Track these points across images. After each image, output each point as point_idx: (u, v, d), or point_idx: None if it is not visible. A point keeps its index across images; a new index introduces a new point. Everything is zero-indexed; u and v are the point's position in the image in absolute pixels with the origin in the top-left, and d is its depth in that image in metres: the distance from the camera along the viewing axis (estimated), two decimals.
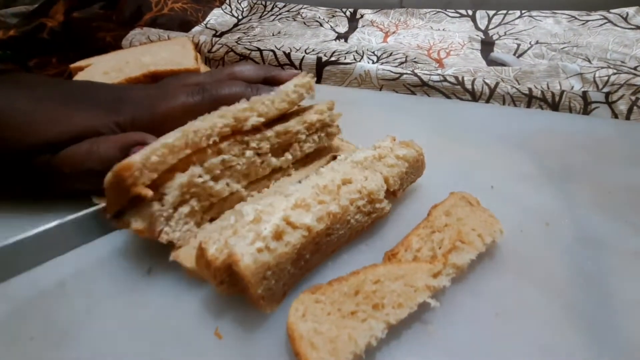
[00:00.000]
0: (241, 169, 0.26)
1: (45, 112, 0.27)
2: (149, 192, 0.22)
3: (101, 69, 0.42)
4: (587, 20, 0.63)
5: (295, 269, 0.22)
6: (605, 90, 0.42)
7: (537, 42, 0.58)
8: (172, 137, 0.23)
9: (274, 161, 0.28)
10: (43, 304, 0.23)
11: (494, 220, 0.26)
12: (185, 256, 0.23)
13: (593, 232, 0.27)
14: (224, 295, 0.22)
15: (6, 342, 0.21)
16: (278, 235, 0.21)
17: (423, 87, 0.45)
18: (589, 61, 0.51)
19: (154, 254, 0.25)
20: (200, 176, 0.24)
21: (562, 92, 0.42)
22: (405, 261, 0.23)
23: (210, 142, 0.24)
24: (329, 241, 0.24)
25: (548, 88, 0.43)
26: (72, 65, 0.44)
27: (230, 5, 0.78)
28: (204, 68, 0.48)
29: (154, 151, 0.22)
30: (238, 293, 0.22)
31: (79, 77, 0.42)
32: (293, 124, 0.28)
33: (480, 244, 0.24)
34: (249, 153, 0.26)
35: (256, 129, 0.26)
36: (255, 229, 0.21)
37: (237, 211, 0.25)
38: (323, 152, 0.32)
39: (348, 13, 0.74)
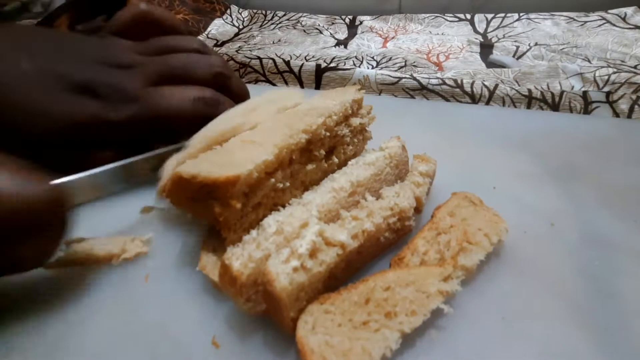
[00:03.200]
0: (303, 176, 0.27)
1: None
2: (239, 205, 0.22)
3: None
4: (586, 21, 0.64)
5: (324, 289, 0.21)
6: (606, 89, 0.42)
7: (536, 44, 0.58)
8: (268, 155, 0.23)
9: (324, 166, 0.28)
10: (38, 311, 0.23)
11: (499, 219, 0.25)
12: (212, 268, 0.23)
13: (599, 232, 0.27)
14: (250, 314, 0.21)
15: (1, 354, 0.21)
16: (313, 253, 0.20)
17: (422, 90, 0.45)
18: (589, 61, 0.51)
19: (151, 262, 0.25)
20: (279, 184, 0.25)
21: (562, 92, 0.42)
22: (412, 265, 0.23)
23: (293, 156, 0.25)
24: (358, 259, 0.23)
25: (548, 88, 0.43)
26: None
27: (231, 16, 0.79)
28: None
29: (256, 167, 0.22)
30: (264, 313, 0.21)
31: None
32: (341, 128, 0.29)
33: (488, 243, 0.24)
34: (310, 163, 0.27)
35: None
36: (288, 245, 0.20)
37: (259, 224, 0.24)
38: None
39: (347, 20, 0.75)
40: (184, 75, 0.30)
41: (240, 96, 0.34)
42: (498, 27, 0.67)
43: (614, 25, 0.61)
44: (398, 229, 0.25)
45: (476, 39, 0.62)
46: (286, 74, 0.52)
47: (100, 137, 0.28)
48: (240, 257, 0.20)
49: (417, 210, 0.27)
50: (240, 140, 0.25)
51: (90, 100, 0.27)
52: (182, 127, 0.29)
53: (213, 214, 0.22)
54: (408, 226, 0.26)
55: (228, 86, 0.32)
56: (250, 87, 0.36)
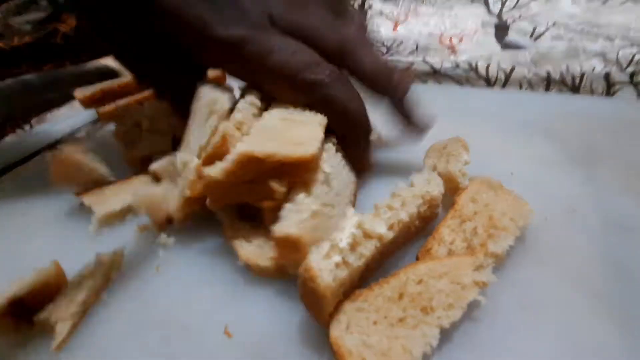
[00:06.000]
0: None
1: None
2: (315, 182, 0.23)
3: None
4: (607, 0, 0.60)
5: (359, 282, 0.21)
6: (630, 69, 0.40)
7: (554, 24, 0.56)
8: (320, 132, 0.24)
9: None
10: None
11: (522, 202, 0.24)
12: (257, 255, 0.23)
13: (622, 217, 0.26)
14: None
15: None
16: (353, 247, 0.19)
17: (435, 75, 0.44)
18: (611, 40, 0.49)
19: (162, 252, 0.25)
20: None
21: (583, 74, 0.40)
22: (440, 256, 0.22)
23: None
24: (389, 249, 0.22)
25: (568, 70, 0.41)
26: None
27: None
28: None
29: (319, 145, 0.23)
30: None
31: None
32: None
33: (515, 227, 0.23)
34: None
35: None
36: (329, 238, 0.19)
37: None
38: None
39: (356, 4, 0.73)
40: (310, 36, 0.26)
41: (372, 78, 0.28)
42: (514, 7, 0.64)
43: (638, 2, 0.58)
44: (426, 217, 0.24)
45: (491, 20, 0.60)
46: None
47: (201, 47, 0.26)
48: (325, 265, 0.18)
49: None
50: (280, 119, 0.25)
51: (209, 6, 0.25)
52: (276, 85, 0.26)
53: (267, 195, 0.23)
54: (435, 213, 0.25)
55: (353, 64, 0.27)
56: None
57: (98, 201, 0.27)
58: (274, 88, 0.26)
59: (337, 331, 0.19)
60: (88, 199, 0.28)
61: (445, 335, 0.20)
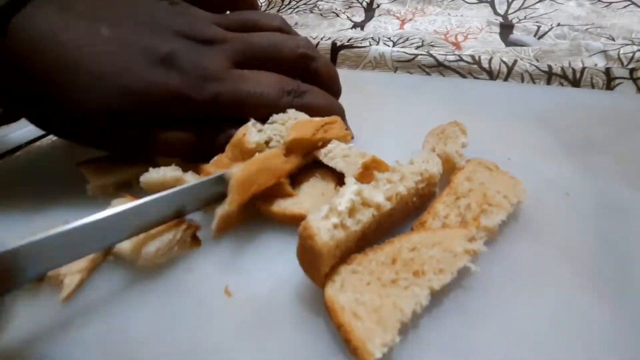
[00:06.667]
0: None
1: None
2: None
3: None
4: (611, 2, 0.61)
5: (356, 248, 0.22)
6: (631, 66, 0.41)
7: (558, 25, 0.57)
8: None
9: None
10: None
11: (516, 181, 0.25)
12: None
13: (616, 201, 0.26)
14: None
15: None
16: (351, 212, 0.20)
17: (438, 67, 0.45)
18: (613, 40, 0.49)
19: None
20: None
21: (584, 68, 0.41)
22: (435, 229, 0.23)
23: None
24: (386, 222, 0.23)
25: (569, 66, 0.42)
26: None
27: None
28: None
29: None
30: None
31: None
32: None
33: (508, 204, 0.24)
34: None
35: None
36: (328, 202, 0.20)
37: None
38: None
39: (364, 3, 0.75)
40: (268, 56, 0.29)
41: (328, 79, 0.32)
42: (519, 9, 0.65)
43: None
44: (424, 195, 0.25)
45: (496, 19, 0.61)
46: None
47: (176, 115, 0.27)
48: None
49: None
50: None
51: (174, 75, 0.25)
52: (262, 115, 0.28)
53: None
54: (433, 192, 0.26)
55: (314, 68, 0.31)
56: None
57: (95, 172, 0.29)
58: (257, 115, 0.29)
59: (332, 290, 0.19)
60: (85, 169, 0.29)
61: (436, 299, 0.20)
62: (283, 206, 0.25)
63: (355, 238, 0.21)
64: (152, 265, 0.23)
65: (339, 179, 0.28)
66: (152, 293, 0.23)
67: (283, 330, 0.20)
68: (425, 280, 0.20)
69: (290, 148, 0.27)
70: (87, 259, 0.23)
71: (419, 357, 0.19)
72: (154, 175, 0.26)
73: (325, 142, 0.28)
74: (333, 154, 0.27)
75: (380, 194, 0.22)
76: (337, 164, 0.27)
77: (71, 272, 0.22)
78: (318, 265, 0.19)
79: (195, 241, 0.24)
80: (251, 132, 0.27)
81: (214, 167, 0.27)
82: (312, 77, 0.31)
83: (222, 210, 0.23)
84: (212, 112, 0.27)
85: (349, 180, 0.22)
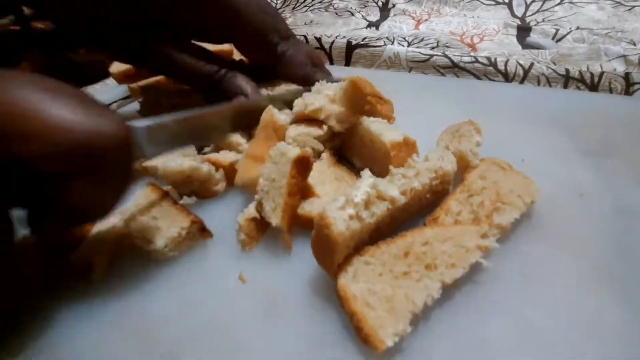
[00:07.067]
0: None
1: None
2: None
3: None
4: (634, 6, 0.60)
5: (369, 240, 0.22)
6: None
7: (577, 28, 0.56)
8: None
9: None
10: None
11: (530, 181, 0.25)
12: None
13: (630, 204, 0.26)
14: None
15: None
16: (366, 204, 0.21)
17: (453, 69, 0.45)
18: (634, 44, 0.49)
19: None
20: None
21: (602, 73, 0.40)
22: (447, 224, 0.23)
23: None
24: (400, 217, 0.24)
25: (587, 69, 0.41)
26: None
27: None
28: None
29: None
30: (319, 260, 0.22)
31: None
32: None
33: (521, 203, 0.24)
34: None
35: None
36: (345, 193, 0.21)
37: None
38: None
39: (380, 3, 0.75)
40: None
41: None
42: (537, 11, 0.64)
43: None
44: (437, 191, 0.26)
45: (513, 22, 0.61)
46: (317, 50, 0.52)
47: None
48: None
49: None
50: None
51: None
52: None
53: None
54: (446, 189, 0.26)
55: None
56: None
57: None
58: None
59: (344, 279, 0.20)
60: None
61: (448, 292, 0.21)
62: (307, 210, 0.25)
63: (369, 230, 0.22)
64: (166, 259, 0.24)
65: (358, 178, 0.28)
66: (169, 277, 0.23)
67: (295, 317, 0.21)
68: (437, 274, 0.20)
69: (347, 94, 0.29)
70: (113, 242, 0.24)
71: (430, 348, 0.19)
72: (172, 164, 0.27)
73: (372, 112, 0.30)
74: (380, 123, 0.29)
75: (395, 188, 0.22)
76: (379, 127, 0.28)
77: (100, 254, 0.23)
78: (332, 255, 0.20)
79: (205, 233, 0.25)
80: (275, 113, 0.29)
81: (254, 147, 0.28)
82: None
83: (275, 223, 0.23)
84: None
85: (365, 173, 0.22)
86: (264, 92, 0.35)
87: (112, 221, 0.24)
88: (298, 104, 0.31)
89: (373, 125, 0.28)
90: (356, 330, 0.19)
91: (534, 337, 0.19)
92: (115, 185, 0.19)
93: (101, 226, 0.25)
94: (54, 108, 0.16)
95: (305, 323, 0.21)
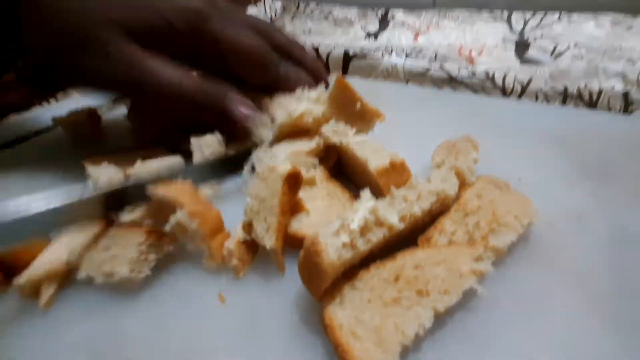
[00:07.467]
0: None
1: None
2: None
3: None
4: (632, 25, 0.60)
5: (359, 264, 0.21)
6: None
7: (576, 45, 0.56)
8: None
9: None
10: None
11: (528, 201, 0.24)
12: None
13: (628, 229, 0.25)
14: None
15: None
16: (363, 231, 0.19)
17: (451, 82, 0.44)
18: (633, 63, 0.48)
19: None
20: None
21: (601, 91, 0.40)
22: (440, 245, 0.22)
23: None
24: (395, 238, 0.22)
25: (586, 87, 0.41)
26: None
27: (264, 5, 0.80)
28: None
29: None
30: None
31: None
32: None
33: (518, 225, 0.23)
34: None
35: None
36: (341, 217, 0.19)
37: None
38: None
39: (379, 14, 0.75)
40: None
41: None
42: (536, 27, 0.64)
43: None
44: (436, 213, 0.24)
45: (512, 37, 0.60)
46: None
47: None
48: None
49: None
50: None
51: None
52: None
53: None
54: (444, 212, 0.25)
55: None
56: None
57: (97, 166, 0.29)
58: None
59: (331, 306, 0.19)
60: (88, 163, 0.29)
61: (440, 321, 0.20)
62: (295, 228, 0.24)
63: (361, 257, 0.20)
64: (136, 285, 0.22)
65: (351, 196, 0.27)
66: (144, 295, 0.22)
67: (277, 341, 0.20)
68: (429, 301, 0.19)
69: (336, 95, 0.29)
70: (62, 265, 0.22)
71: None
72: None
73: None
74: (365, 144, 0.27)
75: (395, 215, 0.20)
76: (364, 151, 0.26)
77: (48, 279, 0.22)
78: (319, 282, 0.19)
79: (166, 239, 0.23)
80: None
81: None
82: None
83: (269, 245, 0.22)
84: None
85: (365, 194, 0.21)
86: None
87: (59, 254, 0.23)
88: (280, 115, 0.29)
89: (359, 150, 0.27)
90: None
91: None
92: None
93: (48, 256, 0.23)
94: None
95: (288, 349, 0.19)
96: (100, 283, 0.21)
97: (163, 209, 0.23)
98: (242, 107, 0.30)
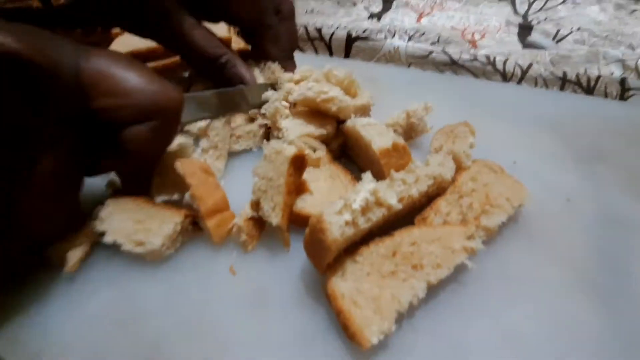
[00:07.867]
0: None
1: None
2: None
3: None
4: (635, 10, 0.60)
5: (359, 241, 0.22)
6: None
7: (578, 29, 0.56)
8: None
9: None
10: None
11: (520, 185, 0.26)
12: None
13: (616, 212, 0.27)
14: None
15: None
16: (364, 210, 0.21)
17: (452, 66, 0.45)
18: (633, 49, 0.49)
19: None
20: None
21: (599, 77, 0.40)
22: (436, 225, 0.24)
23: None
24: (393, 218, 0.24)
25: (585, 73, 0.41)
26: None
27: None
28: (235, 38, 0.49)
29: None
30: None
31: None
32: None
33: (510, 207, 0.24)
34: None
35: None
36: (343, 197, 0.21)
37: None
38: None
39: None
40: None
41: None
42: (540, 10, 0.64)
43: None
44: (432, 196, 0.26)
45: (516, 19, 0.60)
46: (316, 41, 0.52)
47: None
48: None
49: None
50: None
51: None
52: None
53: None
54: (440, 194, 0.26)
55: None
56: None
57: None
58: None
59: (334, 278, 0.20)
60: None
61: (433, 292, 0.21)
62: (300, 207, 0.25)
63: (362, 234, 0.22)
64: (160, 257, 0.24)
65: (353, 178, 0.28)
66: (159, 267, 0.24)
67: (284, 310, 0.21)
68: (423, 274, 0.21)
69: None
70: (88, 233, 0.24)
71: (413, 345, 0.20)
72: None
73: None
74: (371, 126, 0.28)
75: (394, 196, 0.22)
76: (370, 132, 0.27)
77: (74, 246, 0.23)
78: (323, 257, 0.20)
79: (196, 228, 0.25)
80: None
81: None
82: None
83: (275, 222, 0.23)
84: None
85: (366, 177, 0.22)
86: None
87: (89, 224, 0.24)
88: (303, 87, 0.30)
89: (364, 129, 0.28)
90: (343, 327, 0.19)
91: (513, 340, 0.20)
92: (167, 133, 0.24)
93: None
94: (131, 75, 0.22)
95: (293, 317, 0.21)
96: (126, 250, 0.23)
97: (184, 183, 0.24)
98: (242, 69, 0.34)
